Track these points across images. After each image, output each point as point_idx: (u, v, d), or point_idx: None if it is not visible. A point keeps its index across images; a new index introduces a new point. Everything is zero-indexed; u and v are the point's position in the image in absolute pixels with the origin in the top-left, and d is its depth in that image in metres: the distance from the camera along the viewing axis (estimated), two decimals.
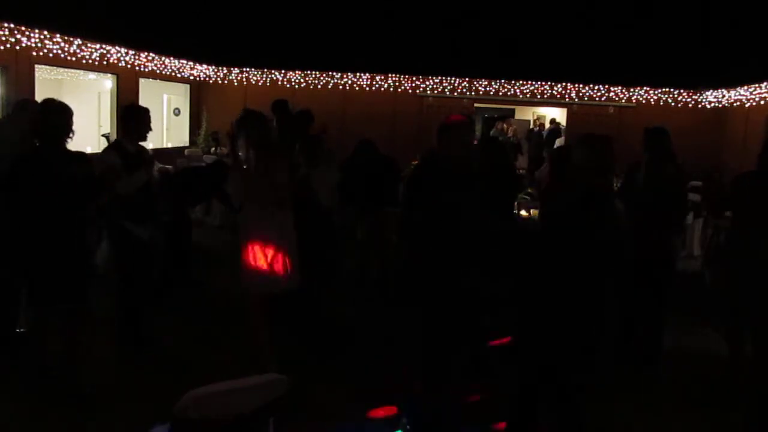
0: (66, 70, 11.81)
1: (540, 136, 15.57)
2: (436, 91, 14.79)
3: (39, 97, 9.51)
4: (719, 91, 13.36)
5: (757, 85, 11.72)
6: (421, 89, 14.80)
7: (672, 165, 4.80)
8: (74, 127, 3.87)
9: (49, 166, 3.67)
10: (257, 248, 4.04)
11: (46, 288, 3.76)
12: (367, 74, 14.66)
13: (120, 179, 4.24)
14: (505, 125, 15.31)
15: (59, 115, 3.80)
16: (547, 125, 16.15)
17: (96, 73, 12.14)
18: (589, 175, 3.06)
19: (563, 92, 14.65)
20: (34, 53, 9.65)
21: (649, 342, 4.83)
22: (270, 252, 4.03)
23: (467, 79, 14.62)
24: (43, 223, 3.68)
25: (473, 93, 14.82)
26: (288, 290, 4.16)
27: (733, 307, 4.32)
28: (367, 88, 14.80)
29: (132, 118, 4.57)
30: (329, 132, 5.32)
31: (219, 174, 6.38)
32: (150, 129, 4.66)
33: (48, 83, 12.09)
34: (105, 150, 4.52)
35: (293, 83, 14.86)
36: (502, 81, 14.61)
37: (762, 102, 11.63)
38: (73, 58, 10.49)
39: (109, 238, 4.69)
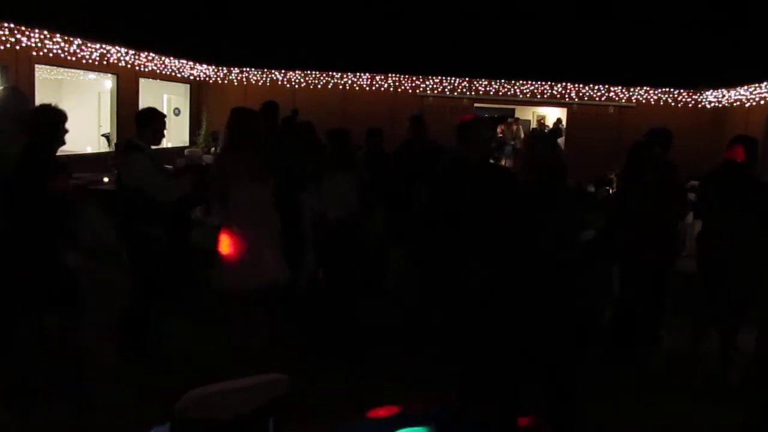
0: (66, 70, 11.80)
1: None
2: (436, 91, 14.79)
3: (39, 97, 9.52)
4: (719, 91, 13.35)
5: (757, 85, 11.72)
6: (421, 89, 14.80)
7: (649, 176, 4.71)
8: (75, 128, 3.82)
9: (36, 178, 3.57)
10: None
11: (31, 293, 3.70)
12: (367, 74, 14.66)
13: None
14: (503, 126, 15.34)
15: (51, 123, 3.70)
16: (551, 125, 16.15)
17: (96, 73, 12.14)
18: (530, 173, 3.14)
19: (563, 92, 14.64)
20: (34, 53, 9.64)
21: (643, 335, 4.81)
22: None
23: (467, 79, 14.62)
24: (27, 230, 3.58)
25: (473, 93, 14.81)
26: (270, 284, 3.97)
27: (708, 305, 4.38)
28: (367, 88, 14.79)
29: (148, 123, 4.54)
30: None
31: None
32: (163, 134, 4.67)
33: (48, 83, 12.08)
34: (135, 155, 4.38)
35: (293, 83, 14.86)
36: (502, 81, 14.61)
37: (762, 102, 11.63)
38: (73, 58, 10.49)
39: (126, 241, 4.64)
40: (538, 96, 14.78)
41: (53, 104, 3.87)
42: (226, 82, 15.31)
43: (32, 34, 9.51)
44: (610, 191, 8.21)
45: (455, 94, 14.79)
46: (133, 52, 12.00)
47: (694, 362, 4.88)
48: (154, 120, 4.57)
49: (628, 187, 4.88)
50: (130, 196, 4.41)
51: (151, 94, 13.69)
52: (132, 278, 4.58)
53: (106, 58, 11.30)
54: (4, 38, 9.02)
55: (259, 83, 15.03)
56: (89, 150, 11.68)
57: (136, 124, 4.57)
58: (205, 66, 14.86)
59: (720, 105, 13.50)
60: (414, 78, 14.70)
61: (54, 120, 3.72)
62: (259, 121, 4.12)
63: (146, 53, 12.42)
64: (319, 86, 14.82)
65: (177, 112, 15.12)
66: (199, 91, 15.17)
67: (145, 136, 4.52)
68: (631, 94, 14.38)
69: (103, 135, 12.37)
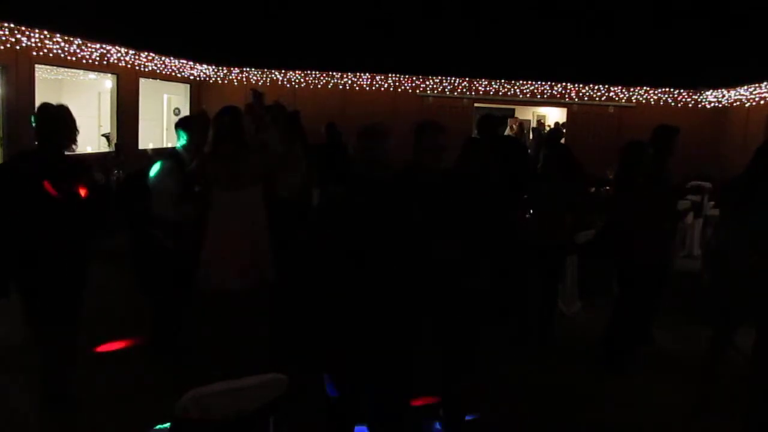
0: (66, 70, 11.81)
1: (540, 136, 15.60)
2: (436, 91, 14.80)
3: (39, 97, 9.53)
4: (719, 91, 13.36)
5: (757, 85, 11.73)
6: (421, 89, 14.81)
7: (640, 179, 4.61)
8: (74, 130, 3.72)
9: (29, 175, 3.49)
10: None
11: (38, 306, 3.64)
12: (367, 74, 14.67)
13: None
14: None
15: (53, 122, 3.60)
16: (550, 126, 16.17)
17: (96, 73, 12.15)
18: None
19: (563, 92, 14.65)
20: (34, 53, 9.65)
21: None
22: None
23: (467, 79, 14.63)
24: (29, 234, 3.49)
25: (473, 93, 14.82)
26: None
27: (721, 307, 4.32)
28: (367, 88, 14.80)
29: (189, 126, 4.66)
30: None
31: None
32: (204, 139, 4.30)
33: (48, 83, 12.09)
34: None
35: (293, 83, 14.87)
36: (502, 81, 14.62)
37: (762, 102, 11.63)
38: (73, 58, 10.49)
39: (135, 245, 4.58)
40: (538, 96, 14.79)
41: (56, 104, 3.79)
42: (226, 82, 15.31)
43: (32, 34, 9.51)
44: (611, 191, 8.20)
45: (455, 94, 14.79)
46: (133, 52, 12.00)
47: (691, 362, 4.85)
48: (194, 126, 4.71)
49: (619, 191, 4.79)
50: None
51: (151, 94, 13.70)
52: (138, 278, 4.58)
53: (106, 58, 11.31)
54: (4, 38, 9.02)
55: (259, 83, 15.02)
56: (89, 150, 11.68)
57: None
58: (205, 66, 14.86)
59: (720, 105, 13.50)
60: (414, 78, 14.70)
61: (49, 119, 3.65)
62: (243, 120, 4.01)
63: (146, 53, 12.42)
64: (319, 86, 14.82)
65: (177, 112, 15.11)
66: (199, 91, 15.17)
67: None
68: (631, 94, 14.39)
69: (103, 135, 12.37)
